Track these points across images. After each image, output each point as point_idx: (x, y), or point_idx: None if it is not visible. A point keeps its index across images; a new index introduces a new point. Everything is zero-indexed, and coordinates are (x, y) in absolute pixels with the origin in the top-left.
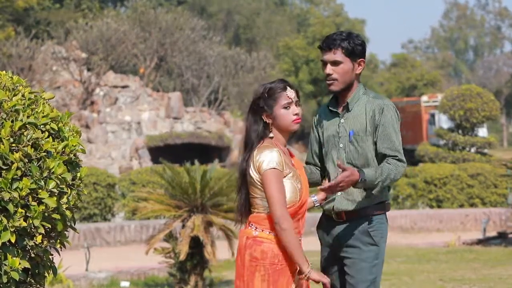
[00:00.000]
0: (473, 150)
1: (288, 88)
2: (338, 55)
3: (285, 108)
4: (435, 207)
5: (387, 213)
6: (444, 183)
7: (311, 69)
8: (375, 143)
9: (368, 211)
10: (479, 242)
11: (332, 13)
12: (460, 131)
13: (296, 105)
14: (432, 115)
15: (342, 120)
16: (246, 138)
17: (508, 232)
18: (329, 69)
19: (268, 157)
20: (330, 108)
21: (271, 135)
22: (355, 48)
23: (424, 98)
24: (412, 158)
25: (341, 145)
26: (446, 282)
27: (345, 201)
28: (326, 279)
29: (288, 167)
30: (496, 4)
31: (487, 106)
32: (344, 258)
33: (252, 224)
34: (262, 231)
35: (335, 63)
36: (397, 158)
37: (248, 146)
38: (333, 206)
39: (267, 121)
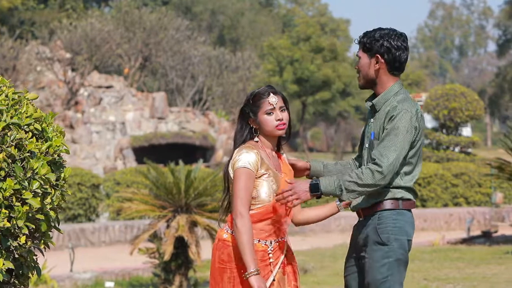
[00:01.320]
0: (457, 149)
1: (272, 94)
2: (359, 50)
3: (268, 114)
4: (419, 207)
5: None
6: (428, 183)
7: (296, 69)
8: None
9: (379, 207)
10: (463, 241)
11: (317, 13)
12: (444, 131)
13: (280, 111)
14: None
15: (372, 120)
16: (233, 143)
17: (492, 231)
18: (356, 63)
19: (243, 157)
20: (366, 105)
21: (256, 139)
22: (372, 43)
23: None
24: None
25: (366, 145)
26: (430, 281)
27: (360, 199)
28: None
29: (266, 168)
30: (480, 4)
31: (471, 105)
32: (361, 257)
33: (226, 225)
34: (232, 232)
35: (358, 58)
36: (374, 161)
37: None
38: (350, 205)
39: (254, 126)
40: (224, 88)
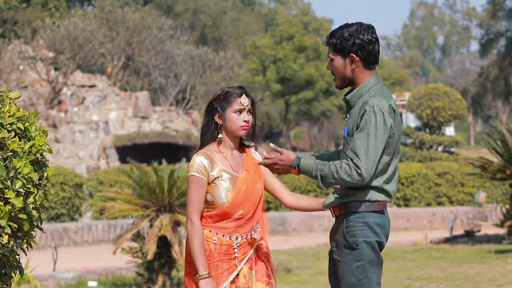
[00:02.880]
0: (440, 149)
1: (244, 95)
2: (330, 51)
3: (236, 112)
4: (402, 206)
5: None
6: (411, 182)
7: (279, 68)
8: None
9: (346, 209)
10: (446, 240)
11: (300, 12)
12: (427, 130)
13: (248, 113)
14: (400, 114)
15: (348, 115)
16: (200, 138)
17: (475, 231)
18: (328, 65)
19: (193, 164)
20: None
21: (220, 136)
22: (343, 43)
23: None
24: None
25: (344, 141)
26: (413, 280)
27: (332, 197)
28: None
29: (219, 171)
30: (464, 4)
31: (454, 105)
32: (336, 259)
33: None
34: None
35: (331, 60)
36: (352, 161)
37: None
38: (323, 203)
39: (218, 122)
40: (207, 87)
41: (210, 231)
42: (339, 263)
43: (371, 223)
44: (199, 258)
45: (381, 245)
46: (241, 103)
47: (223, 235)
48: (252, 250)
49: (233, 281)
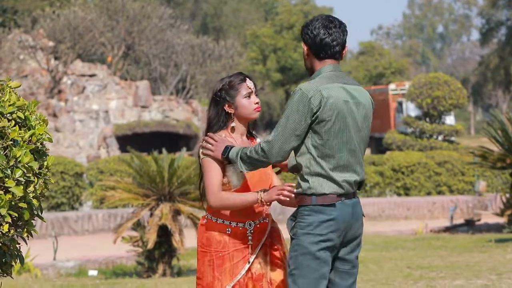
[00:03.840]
0: (440, 138)
1: (248, 79)
2: None
3: (246, 97)
4: (402, 195)
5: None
6: (411, 171)
7: (279, 58)
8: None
9: (298, 201)
10: (446, 229)
11: (300, 1)
12: (427, 119)
13: (255, 95)
14: (400, 103)
15: None
16: (208, 128)
17: (475, 220)
18: None
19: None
20: None
21: (232, 124)
22: (301, 32)
23: (392, 86)
24: (380, 146)
25: None
26: (413, 269)
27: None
28: (276, 193)
29: None
30: None
31: (454, 94)
32: None
33: (206, 211)
34: (211, 218)
35: None
36: (265, 140)
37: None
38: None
39: (229, 111)
40: (207, 76)
41: (224, 222)
42: None
43: (315, 219)
44: (244, 197)
45: (328, 242)
46: (248, 86)
47: (237, 224)
48: (265, 236)
49: (249, 269)
